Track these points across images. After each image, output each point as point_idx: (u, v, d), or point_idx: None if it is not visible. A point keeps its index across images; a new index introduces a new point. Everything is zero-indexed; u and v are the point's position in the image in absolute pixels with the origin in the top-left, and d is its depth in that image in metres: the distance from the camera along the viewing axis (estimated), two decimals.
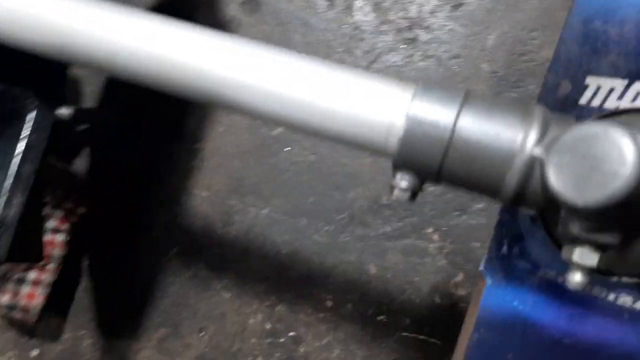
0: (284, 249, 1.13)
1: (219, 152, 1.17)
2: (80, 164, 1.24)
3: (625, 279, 0.53)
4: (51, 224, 1.15)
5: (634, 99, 0.54)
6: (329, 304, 1.11)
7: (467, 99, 0.50)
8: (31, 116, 0.83)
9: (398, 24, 1.08)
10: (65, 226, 1.16)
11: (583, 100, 0.57)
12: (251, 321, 1.15)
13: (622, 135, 0.39)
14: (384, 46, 1.09)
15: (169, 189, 1.20)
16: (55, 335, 1.25)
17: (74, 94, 1.23)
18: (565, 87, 0.58)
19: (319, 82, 0.55)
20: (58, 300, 1.21)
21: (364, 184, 1.10)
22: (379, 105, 0.53)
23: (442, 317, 1.04)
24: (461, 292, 1.03)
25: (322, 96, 0.55)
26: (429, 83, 0.52)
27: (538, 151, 0.44)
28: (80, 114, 1.20)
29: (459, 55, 1.04)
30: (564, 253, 0.48)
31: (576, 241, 0.46)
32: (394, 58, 1.08)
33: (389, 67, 1.08)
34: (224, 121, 1.17)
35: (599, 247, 0.45)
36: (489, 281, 0.60)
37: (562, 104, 0.59)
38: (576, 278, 0.47)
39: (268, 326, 1.14)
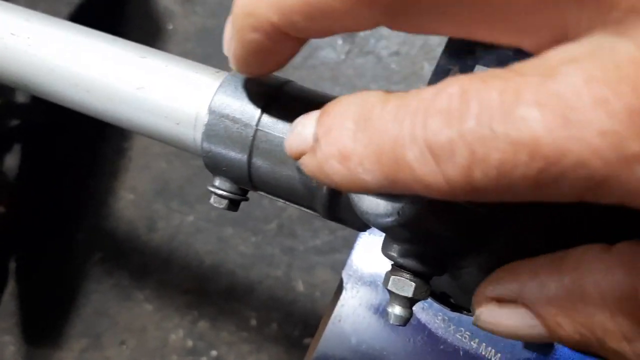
0: (207, 259, 1.04)
1: (146, 152, 1.09)
2: (12, 161, 1.18)
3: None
4: None
5: None
6: (253, 322, 1.01)
7: (278, 91, 0.39)
8: None
9: None
10: None
11: None
12: (172, 337, 1.06)
13: None
14: (319, 41, 0.99)
15: (95, 190, 1.12)
16: None
17: (5, 88, 1.17)
18: (454, 74, 0.48)
19: (125, 66, 0.46)
20: None
21: None
22: (187, 95, 0.43)
23: None
24: None
25: (124, 83, 0.45)
26: None
27: None
28: (7, 108, 1.14)
29: (398, 53, 0.93)
30: (384, 281, 0.38)
31: (395, 267, 0.36)
32: (331, 54, 0.98)
33: (324, 63, 0.98)
34: None
35: (420, 276, 0.35)
36: (346, 288, 0.50)
37: None
38: (396, 311, 0.37)
39: (189, 343, 1.05)
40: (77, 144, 1.15)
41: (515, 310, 0.23)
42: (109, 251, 1.11)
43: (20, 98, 1.18)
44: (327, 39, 0.99)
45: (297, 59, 1.00)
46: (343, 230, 0.97)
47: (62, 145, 1.15)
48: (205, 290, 1.04)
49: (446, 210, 0.30)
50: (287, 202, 0.40)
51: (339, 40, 0.98)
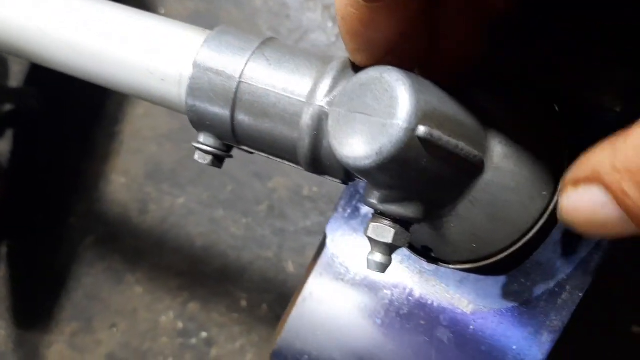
0: (198, 241, 1.04)
1: (138, 136, 1.09)
2: (3, 146, 1.18)
3: (453, 266, 0.44)
4: None
5: None
6: (244, 303, 1.02)
7: (263, 46, 0.40)
8: None
9: (325, 0, 0.99)
10: None
11: None
12: (163, 319, 1.06)
13: (397, 80, 0.30)
14: (310, 24, 1.00)
15: (88, 174, 1.12)
16: None
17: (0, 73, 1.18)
18: None
19: (109, 24, 0.47)
20: None
21: (285, 173, 1.00)
22: (172, 51, 0.44)
23: None
24: None
25: (110, 42, 0.46)
26: (230, 27, 0.43)
27: (324, 103, 0.35)
28: (1, 93, 1.14)
29: None
30: (365, 229, 0.38)
31: (375, 215, 0.37)
32: (321, 37, 0.99)
33: (315, 46, 0.99)
34: (144, 103, 1.09)
35: (399, 223, 0.36)
36: (329, 245, 0.51)
37: None
38: (376, 258, 0.38)
39: (180, 325, 1.05)
40: (68, 128, 1.15)
41: (587, 188, 0.24)
42: (101, 235, 1.11)
43: (13, 83, 1.18)
44: (317, 22, 1.00)
45: (289, 42, 1.00)
46: (333, 212, 0.97)
47: (53, 130, 1.16)
48: (196, 272, 1.04)
49: (422, 152, 0.31)
50: (270, 156, 0.41)
51: (329, 23, 0.99)
